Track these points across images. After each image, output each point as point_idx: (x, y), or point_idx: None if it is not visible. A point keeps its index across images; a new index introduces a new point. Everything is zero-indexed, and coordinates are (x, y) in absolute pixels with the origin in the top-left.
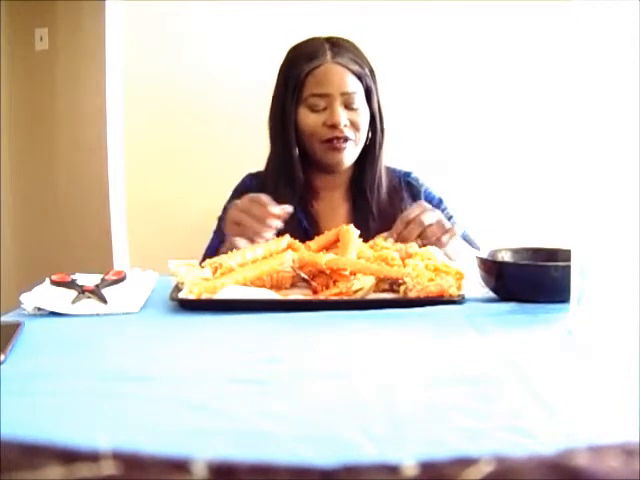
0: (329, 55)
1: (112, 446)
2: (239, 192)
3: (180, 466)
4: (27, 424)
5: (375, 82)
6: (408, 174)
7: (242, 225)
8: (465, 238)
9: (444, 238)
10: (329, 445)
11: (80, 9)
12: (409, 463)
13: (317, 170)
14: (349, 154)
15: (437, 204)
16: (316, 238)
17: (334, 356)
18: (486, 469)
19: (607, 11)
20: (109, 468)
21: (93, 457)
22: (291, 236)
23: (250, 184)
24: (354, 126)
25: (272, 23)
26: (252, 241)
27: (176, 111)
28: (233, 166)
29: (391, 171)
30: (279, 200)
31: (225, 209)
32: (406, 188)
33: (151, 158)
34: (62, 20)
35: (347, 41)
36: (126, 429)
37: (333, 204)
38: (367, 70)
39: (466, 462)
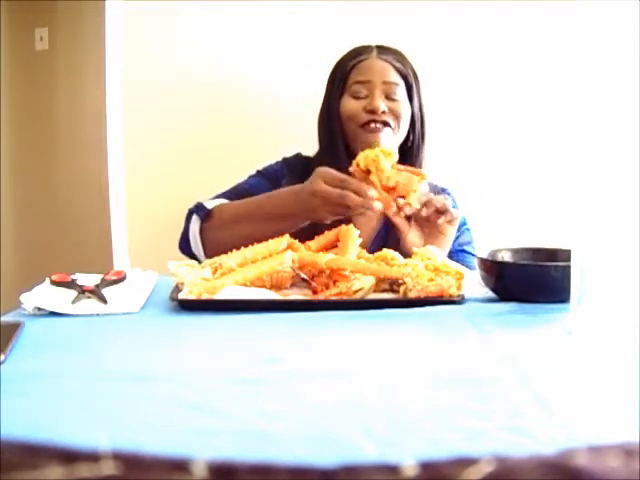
0: (375, 52)
1: (112, 446)
2: (266, 175)
3: (180, 466)
4: (27, 424)
5: (417, 84)
6: (444, 189)
7: (344, 200)
8: (464, 249)
9: (439, 220)
10: (329, 445)
11: (80, 9)
12: (409, 463)
13: None
14: (387, 140)
15: (461, 226)
16: (316, 238)
17: (334, 356)
18: (486, 469)
19: (608, 11)
20: (109, 468)
21: (93, 457)
22: (329, 224)
23: (280, 171)
24: (393, 113)
25: (272, 22)
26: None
27: (176, 111)
28: (234, 166)
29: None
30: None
31: (244, 182)
32: None
33: (151, 158)
34: (62, 20)
35: (394, 48)
36: (126, 429)
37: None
38: (410, 71)
39: (466, 462)
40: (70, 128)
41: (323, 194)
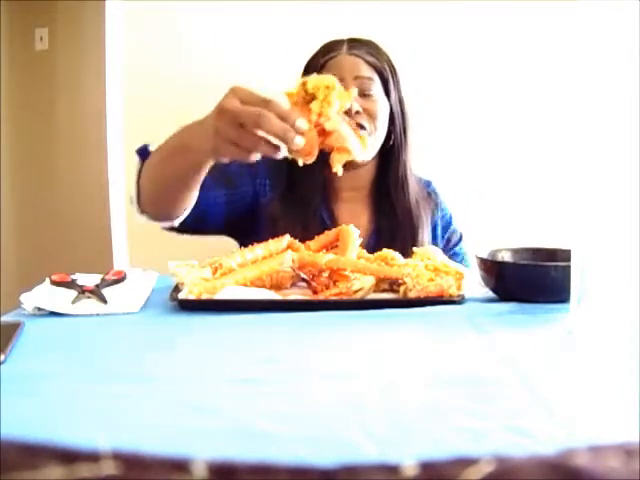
0: (345, 48)
1: (112, 446)
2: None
3: (180, 466)
4: (27, 424)
5: (395, 78)
6: (428, 184)
7: (258, 121)
8: (457, 252)
9: None
10: (329, 445)
11: (80, 9)
12: (409, 463)
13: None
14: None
15: (448, 221)
16: (316, 238)
17: (334, 356)
18: (486, 469)
19: (608, 11)
20: (109, 468)
21: (93, 457)
22: (314, 236)
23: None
24: (368, 114)
25: (272, 22)
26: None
27: (176, 111)
28: None
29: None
30: (302, 200)
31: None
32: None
33: None
34: (62, 20)
35: (367, 40)
36: (126, 429)
37: (354, 208)
38: (386, 64)
39: (466, 462)
40: (70, 128)
41: (232, 113)
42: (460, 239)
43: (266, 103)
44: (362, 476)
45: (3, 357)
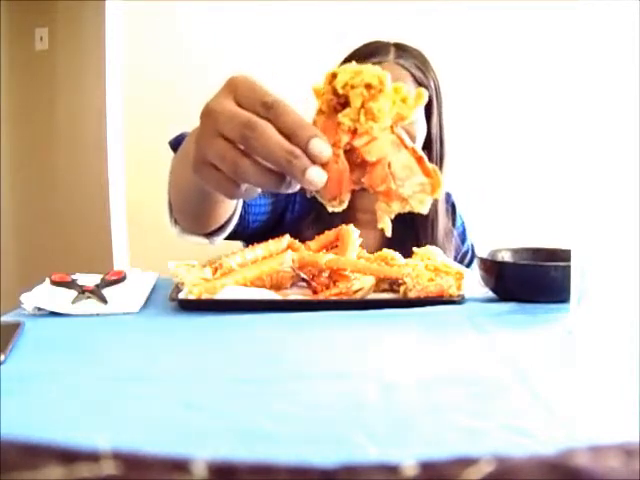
0: (392, 55)
1: (112, 446)
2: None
3: (180, 466)
4: (27, 424)
5: (439, 99)
6: (448, 196)
7: (253, 134)
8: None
9: None
10: (329, 445)
11: (80, 9)
12: (409, 463)
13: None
14: None
15: (462, 231)
16: (316, 238)
17: (334, 356)
18: (486, 469)
19: (608, 11)
20: (109, 468)
21: (93, 457)
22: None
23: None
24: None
25: (274, 21)
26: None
27: (176, 111)
28: None
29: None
30: (322, 217)
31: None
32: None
33: (151, 158)
34: (62, 20)
35: (415, 49)
36: (126, 429)
37: (365, 233)
38: (432, 82)
39: (466, 462)
40: (70, 128)
41: (215, 118)
42: (471, 260)
43: (267, 106)
44: (362, 476)
45: (3, 357)
